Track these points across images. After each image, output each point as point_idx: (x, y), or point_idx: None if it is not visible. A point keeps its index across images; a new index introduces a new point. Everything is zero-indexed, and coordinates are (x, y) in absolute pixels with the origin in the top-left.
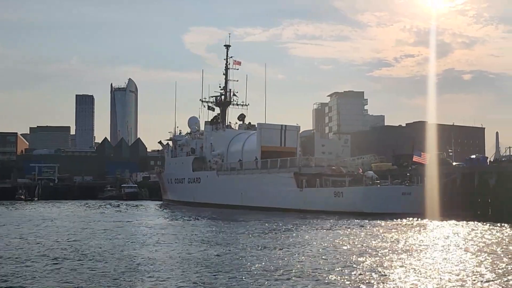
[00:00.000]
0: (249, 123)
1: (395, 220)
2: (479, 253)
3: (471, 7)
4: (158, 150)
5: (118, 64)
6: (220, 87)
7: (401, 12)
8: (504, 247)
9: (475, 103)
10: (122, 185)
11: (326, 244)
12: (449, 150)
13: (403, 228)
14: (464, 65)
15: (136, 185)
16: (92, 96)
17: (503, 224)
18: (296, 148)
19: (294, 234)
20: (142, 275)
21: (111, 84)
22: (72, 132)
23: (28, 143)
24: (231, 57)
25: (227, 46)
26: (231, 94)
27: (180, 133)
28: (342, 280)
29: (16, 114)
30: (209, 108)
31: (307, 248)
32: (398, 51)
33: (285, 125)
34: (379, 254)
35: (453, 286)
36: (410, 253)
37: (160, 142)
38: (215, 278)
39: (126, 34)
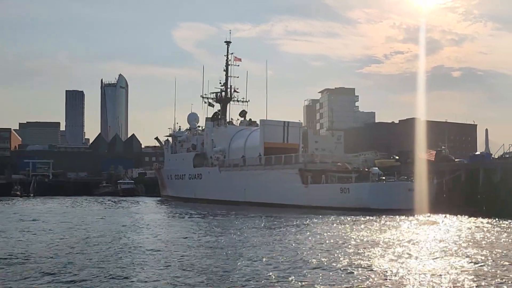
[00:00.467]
0: (250, 119)
1: (402, 216)
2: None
3: (461, 4)
4: (154, 146)
5: (108, 59)
6: (220, 83)
7: (390, 9)
8: None
9: (464, 100)
10: (119, 181)
11: (345, 238)
12: (443, 147)
13: (413, 223)
14: (453, 62)
15: (133, 181)
16: (82, 92)
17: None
18: (299, 144)
19: (315, 229)
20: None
21: (101, 80)
22: (62, 128)
23: (20, 139)
24: (232, 53)
25: (228, 43)
26: (232, 90)
27: (179, 129)
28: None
29: (6, 110)
30: (209, 104)
31: (331, 241)
32: (387, 48)
33: (288, 122)
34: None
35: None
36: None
37: (156, 138)
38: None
39: (115, 29)
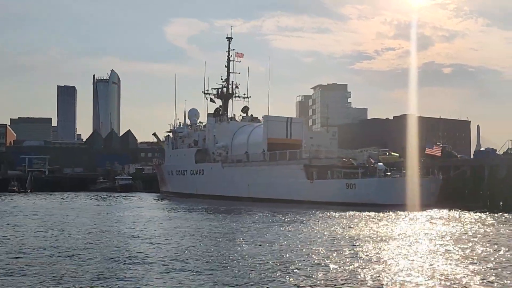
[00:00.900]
0: (251, 115)
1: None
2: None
3: (451, 1)
4: (151, 142)
5: (100, 55)
6: (221, 79)
7: (381, 5)
8: None
9: (454, 97)
10: (116, 177)
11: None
12: (438, 143)
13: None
14: (444, 58)
15: (131, 177)
16: (74, 87)
17: None
18: (302, 140)
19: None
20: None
21: (94, 75)
22: (54, 123)
23: (15, 135)
24: (234, 49)
25: (229, 39)
26: (234, 86)
27: (180, 125)
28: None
29: None
30: (211, 100)
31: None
32: (379, 44)
33: (291, 118)
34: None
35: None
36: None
37: (154, 134)
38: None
39: (107, 25)
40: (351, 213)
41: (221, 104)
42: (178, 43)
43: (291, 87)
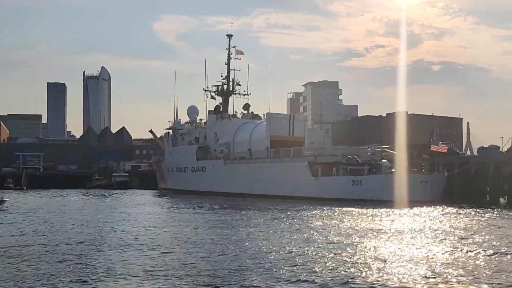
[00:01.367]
0: (252, 112)
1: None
2: None
3: None
4: (146, 139)
5: (90, 52)
6: (222, 76)
7: (370, 2)
8: None
9: (443, 94)
10: (113, 174)
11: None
12: (431, 140)
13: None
14: (433, 56)
15: (127, 174)
16: (64, 84)
17: None
18: (304, 137)
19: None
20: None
21: (84, 72)
22: (44, 120)
23: (8, 132)
24: (234, 47)
25: (229, 36)
26: (234, 83)
27: (180, 121)
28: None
29: None
30: (212, 97)
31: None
32: (368, 42)
33: (293, 115)
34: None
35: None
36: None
37: (151, 131)
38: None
39: (96, 21)
40: (360, 210)
41: (221, 101)
42: (167, 39)
43: (281, 84)
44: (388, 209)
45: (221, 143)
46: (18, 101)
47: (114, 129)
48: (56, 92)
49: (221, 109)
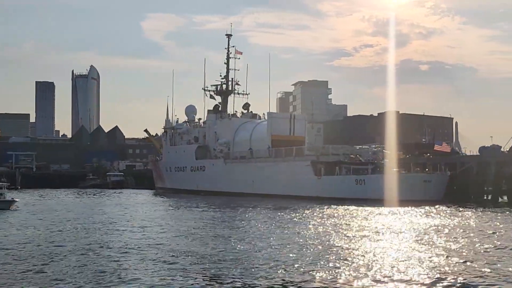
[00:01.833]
0: (251, 112)
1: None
2: None
3: None
4: (142, 138)
5: (78, 50)
6: (221, 75)
7: (359, 2)
8: None
9: (431, 94)
10: (108, 173)
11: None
12: (423, 139)
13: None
14: (421, 55)
15: (122, 174)
16: (52, 83)
17: None
18: (304, 137)
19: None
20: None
21: (72, 71)
22: (32, 119)
23: (0, 131)
24: (233, 46)
25: (229, 36)
26: (234, 83)
27: (177, 121)
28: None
29: None
30: (211, 96)
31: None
32: (357, 41)
33: (294, 114)
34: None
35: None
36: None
37: (146, 131)
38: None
39: (85, 19)
40: (366, 208)
41: (220, 101)
42: (154, 38)
43: (271, 83)
44: (391, 208)
45: (221, 143)
46: (6, 100)
47: (104, 128)
48: (45, 91)
49: (220, 109)
